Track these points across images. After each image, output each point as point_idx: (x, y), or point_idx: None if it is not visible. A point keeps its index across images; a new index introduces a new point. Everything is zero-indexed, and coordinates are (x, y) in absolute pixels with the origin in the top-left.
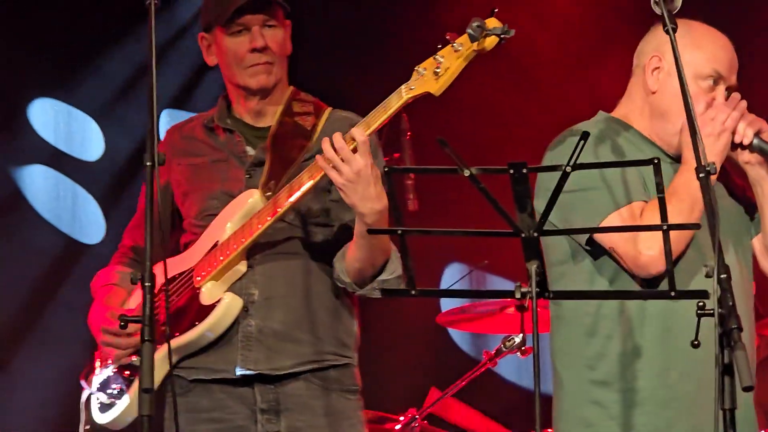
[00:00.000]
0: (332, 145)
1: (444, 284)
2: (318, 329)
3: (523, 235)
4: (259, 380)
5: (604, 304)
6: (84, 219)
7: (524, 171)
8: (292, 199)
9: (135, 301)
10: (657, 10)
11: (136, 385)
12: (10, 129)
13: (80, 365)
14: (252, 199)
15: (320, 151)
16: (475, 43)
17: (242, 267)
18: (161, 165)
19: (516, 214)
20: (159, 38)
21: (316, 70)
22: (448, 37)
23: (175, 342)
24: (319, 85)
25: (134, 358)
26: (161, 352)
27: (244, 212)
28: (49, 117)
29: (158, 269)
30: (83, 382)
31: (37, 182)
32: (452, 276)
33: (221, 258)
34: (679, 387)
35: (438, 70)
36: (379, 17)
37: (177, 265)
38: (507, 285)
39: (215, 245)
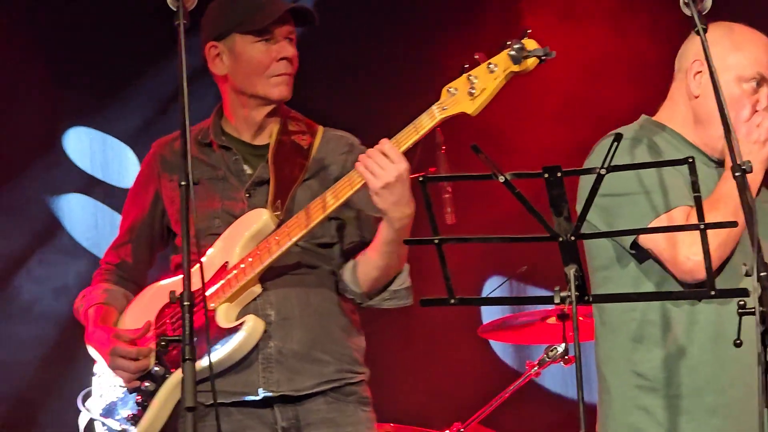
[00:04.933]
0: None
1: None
2: (335, 348)
3: (560, 239)
4: (278, 400)
5: (650, 311)
6: None
7: (559, 175)
8: (317, 220)
9: (130, 320)
10: (687, 11)
11: (151, 412)
12: (47, 158)
13: None
14: (262, 219)
15: (319, 171)
16: (517, 65)
17: (257, 289)
18: (196, 185)
19: (552, 219)
20: (191, 61)
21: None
22: (477, 57)
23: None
24: (318, 106)
25: (146, 384)
26: (174, 379)
27: (253, 233)
28: (85, 145)
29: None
30: (83, 407)
31: (75, 211)
32: (493, 288)
33: (236, 280)
34: (728, 393)
35: (473, 91)
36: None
37: (179, 285)
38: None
39: (224, 266)
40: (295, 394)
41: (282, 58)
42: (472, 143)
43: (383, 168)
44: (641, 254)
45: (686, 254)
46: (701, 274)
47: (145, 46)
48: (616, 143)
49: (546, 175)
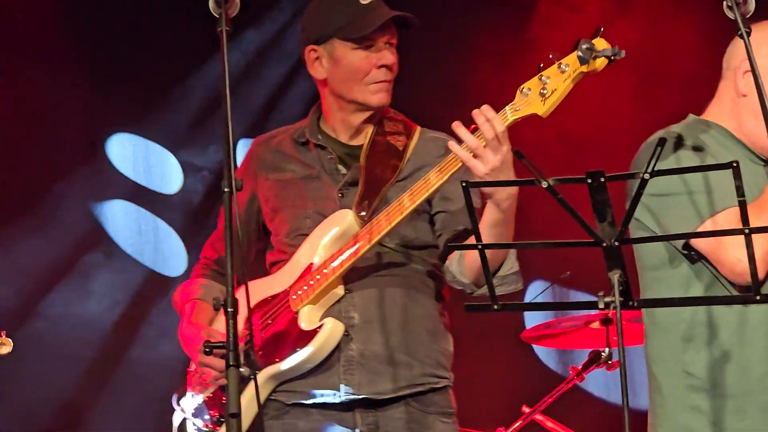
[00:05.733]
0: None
1: (528, 301)
2: (418, 351)
3: (604, 244)
4: (360, 404)
5: (701, 311)
6: (166, 252)
7: (602, 180)
8: (394, 223)
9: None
10: (730, 15)
11: None
12: (90, 165)
13: (165, 397)
14: (346, 220)
15: (413, 172)
16: (585, 65)
17: (340, 290)
18: (239, 191)
19: (596, 224)
20: (232, 67)
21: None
22: (551, 57)
23: (276, 367)
24: (411, 104)
25: None
26: (260, 377)
27: (338, 234)
28: (128, 151)
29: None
30: (177, 406)
31: (118, 217)
32: (536, 293)
33: (319, 281)
34: None
35: (544, 92)
36: (473, 35)
37: (269, 286)
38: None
39: (309, 267)
40: (377, 398)
41: (382, 66)
42: (515, 149)
43: (493, 149)
44: (693, 255)
45: (737, 256)
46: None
47: (187, 52)
48: (660, 148)
49: (589, 181)
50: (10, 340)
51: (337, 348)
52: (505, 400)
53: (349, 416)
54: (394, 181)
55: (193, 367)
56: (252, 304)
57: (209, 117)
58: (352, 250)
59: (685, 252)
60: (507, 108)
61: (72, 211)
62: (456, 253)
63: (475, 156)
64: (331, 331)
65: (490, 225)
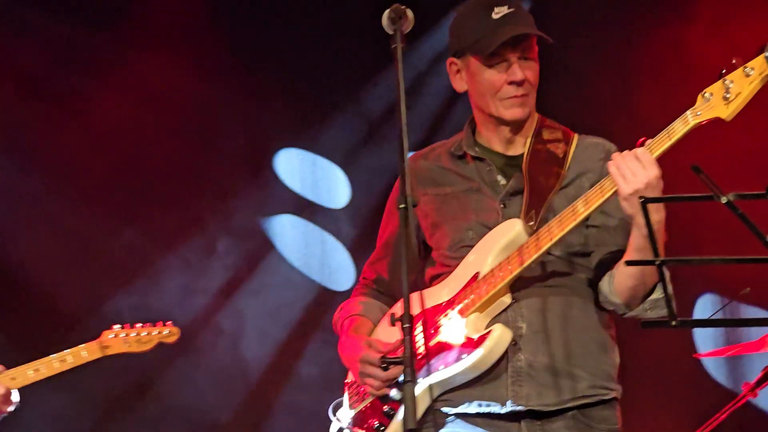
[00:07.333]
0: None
1: (696, 315)
2: (588, 362)
3: None
4: (526, 415)
5: None
6: (333, 266)
7: None
8: (566, 230)
9: (383, 331)
10: None
11: (396, 421)
12: (259, 180)
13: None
14: (515, 230)
15: (575, 179)
16: None
17: (507, 299)
18: (414, 207)
19: None
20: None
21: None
22: (734, 62)
23: (441, 375)
24: (570, 112)
25: (392, 392)
26: (421, 387)
27: (506, 243)
28: (295, 166)
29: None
30: (333, 417)
31: (286, 231)
32: (704, 307)
33: (486, 290)
34: None
35: (728, 96)
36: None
37: (431, 297)
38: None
39: (475, 276)
40: (545, 410)
41: (512, 82)
42: (693, 164)
43: (634, 174)
44: None
45: None
46: None
47: (355, 66)
48: None
49: None
50: (177, 328)
51: (505, 358)
52: (674, 416)
53: (514, 427)
54: (558, 189)
55: (350, 378)
56: (416, 315)
57: (376, 131)
58: (520, 259)
59: None
60: (688, 112)
61: (242, 227)
62: (609, 273)
63: (623, 176)
64: (500, 337)
65: (633, 249)
